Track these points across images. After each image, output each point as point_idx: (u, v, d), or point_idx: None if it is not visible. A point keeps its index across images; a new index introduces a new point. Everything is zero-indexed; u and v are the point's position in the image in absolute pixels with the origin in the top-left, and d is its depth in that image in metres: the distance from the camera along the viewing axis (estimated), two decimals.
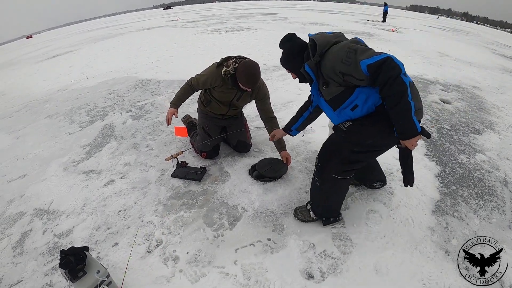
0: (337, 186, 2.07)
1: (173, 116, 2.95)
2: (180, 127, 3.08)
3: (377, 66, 1.58)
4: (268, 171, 2.86)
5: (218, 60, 2.82)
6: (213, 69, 2.80)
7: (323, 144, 2.09)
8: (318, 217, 2.27)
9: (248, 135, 3.30)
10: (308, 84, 2.09)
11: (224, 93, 2.88)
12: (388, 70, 1.57)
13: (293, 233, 2.27)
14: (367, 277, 1.94)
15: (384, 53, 1.62)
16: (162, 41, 12.34)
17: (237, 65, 2.65)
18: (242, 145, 3.27)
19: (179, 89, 3.01)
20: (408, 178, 1.93)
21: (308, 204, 2.32)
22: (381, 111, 1.78)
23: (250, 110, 4.53)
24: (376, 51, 1.68)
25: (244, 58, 2.73)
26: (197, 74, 2.92)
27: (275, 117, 3.07)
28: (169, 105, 2.98)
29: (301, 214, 2.33)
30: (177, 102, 2.98)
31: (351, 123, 1.87)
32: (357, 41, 1.79)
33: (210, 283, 1.94)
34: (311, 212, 2.28)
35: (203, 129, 3.12)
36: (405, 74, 1.60)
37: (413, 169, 1.91)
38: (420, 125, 1.68)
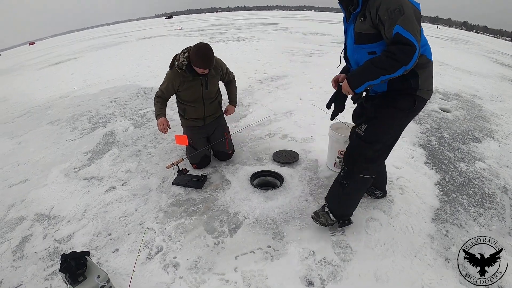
0: (361, 185, 2.15)
1: (167, 123, 2.99)
2: (181, 136, 3.12)
3: (398, 41, 1.55)
4: (287, 158, 3.33)
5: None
6: (169, 73, 2.98)
7: (346, 150, 2.14)
8: (336, 219, 2.26)
9: (227, 145, 3.34)
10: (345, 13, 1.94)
11: (190, 88, 2.97)
12: (399, 52, 1.55)
13: (293, 241, 2.27)
14: (367, 284, 1.94)
15: (422, 41, 1.59)
16: (164, 50, 12.46)
17: (186, 54, 2.78)
18: (222, 155, 3.36)
19: (154, 108, 3.11)
20: (334, 111, 2.02)
21: (326, 207, 2.29)
22: (391, 93, 1.84)
23: (250, 119, 4.57)
24: (420, 32, 1.61)
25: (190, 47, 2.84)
26: (159, 87, 3.07)
27: (234, 77, 3.44)
28: (155, 120, 3.04)
29: (323, 218, 2.25)
30: (161, 111, 3.03)
31: (366, 125, 1.93)
32: (415, 8, 1.65)
33: None
34: (330, 215, 2.25)
35: (188, 143, 3.15)
36: (406, 70, 1.59)
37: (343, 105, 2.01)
38: (362, 89, 1.74)
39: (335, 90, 2.00)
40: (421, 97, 1.82)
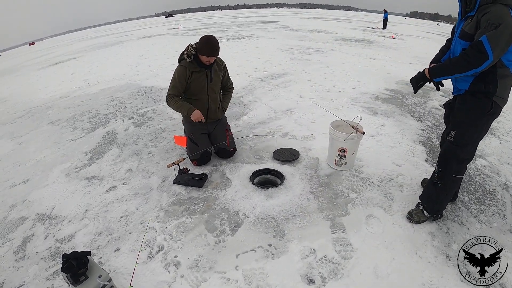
0: (454, 184, 2.34)
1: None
2: (180, 136, 3.16)
3: (477, 47, 1.78)
4: (287, 156, 3.35)
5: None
6: (177, 69, 3.09)
7: (440, 154, 2.31)
8: (429, 214, 2.39)
9: (228, 142, 3.37)
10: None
11: (197, 79, 3.09)
12: (473, 56, 1.80)
13: (294, 239, 2.27)
14: (368, 282, 1.94)
15: (493, 57, 1.75)
16: (164, 49, 12.46)
17: (195, 45, 3.01)
18: (222, 152, 3.38)
19: (175, 107, 3.17)
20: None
21: (420, 205, 2.44)
22: (472, 94, 2.03)
23: (251, 117, 4.57)
24: (505, 50, 1.79)
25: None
26: (169, 86, 3.17)
27: (233, 87, 3.62)
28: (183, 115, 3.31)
29: (416, 217, 2.41)
30: (187, 106, 3.14)
31: (454, 131, 2.14)
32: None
33: None
34: (424, 212, 2.40)
35: (190, 139, 3.24)
36: (475, 72, 1.86)
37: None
38: (439, 80, 2.13)
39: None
40: (496, 102, 1.99)
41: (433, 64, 2.21)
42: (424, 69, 2.20)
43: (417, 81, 2.24)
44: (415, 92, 2.35)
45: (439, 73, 2.07)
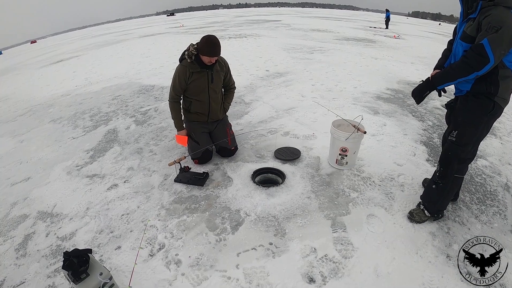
0: (455, 184, 2.34)
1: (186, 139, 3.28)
2: (182, 136, 3.18)
3: (477, 50, 1.81)
4: (288, 155, 3.34)
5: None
6: (178, 68, 3.07)
7: (441, 153, 2.32)
8: (431, 214, 2.40)
9: (230, 141, 3.37)
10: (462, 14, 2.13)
11: (198, 79, 3.07)
12: (473, 59, 1.83)
13: (295, 238, 2.27)
14: (368, 281, 1.94)
15: (494, 59, 1.78)
16: (165, 47, 12.45)
17: (196, 45, 2.98)
18: (224, 151, 3.39)
19: (172, 115, 3.26)
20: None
21: (421, 205, 2.45)
22: (474, 95, 2.02)
23: (252, 116, 4.57)
24: (507, 52, 1.81)
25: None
26: (170, 86, 3.18)
27: (235, 87, 3.59)
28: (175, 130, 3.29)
29: (417, 216, 2.42)
30: (179, 123, 3.27)
31: (456, 131, 2.15)
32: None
33: (212, 286, 1.95)
34: (425, 211, 2.40)
35: (191, 137, 3.27)
36: (477, 75, 1.88)
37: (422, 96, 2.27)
38: (443, 87, 2.13)
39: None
40: (497, 103, 1.99)
41: (435, 71, 2.22)
42: (428, 78, 2.21)
43: (422, 92, 2.23)
44: (418, 103, 2.33)
45: (443, 80, 2.08)
